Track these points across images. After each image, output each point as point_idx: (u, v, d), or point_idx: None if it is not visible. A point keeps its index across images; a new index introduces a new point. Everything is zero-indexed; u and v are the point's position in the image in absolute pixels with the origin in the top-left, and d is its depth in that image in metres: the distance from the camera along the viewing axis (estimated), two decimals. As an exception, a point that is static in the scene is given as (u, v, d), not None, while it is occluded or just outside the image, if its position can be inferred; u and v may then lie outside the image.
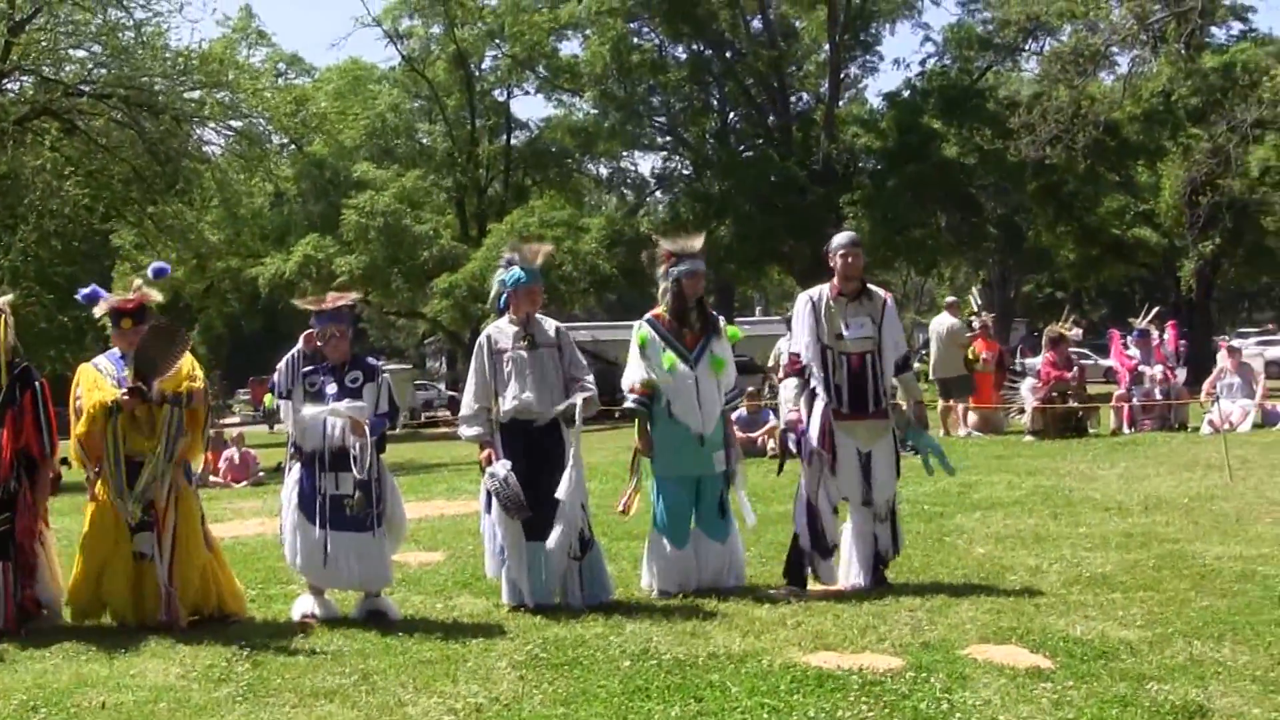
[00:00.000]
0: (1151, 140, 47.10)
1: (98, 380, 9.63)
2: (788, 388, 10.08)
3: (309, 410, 9.61)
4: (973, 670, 7.45)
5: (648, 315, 10.42)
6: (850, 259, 10.11)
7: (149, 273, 10.33)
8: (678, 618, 9.07)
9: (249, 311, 58.05)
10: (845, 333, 9.96)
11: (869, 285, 10.27)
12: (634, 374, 10.28)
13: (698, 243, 10.39)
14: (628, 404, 10.30)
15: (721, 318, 10.51)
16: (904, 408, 10.56)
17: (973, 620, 8.72)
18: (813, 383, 9.97)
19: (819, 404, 9.92)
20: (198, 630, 9.26)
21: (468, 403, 9.92)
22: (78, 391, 9.66)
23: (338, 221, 51.36)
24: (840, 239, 10.34)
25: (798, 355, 10.06)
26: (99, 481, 9.58)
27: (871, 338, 10.02)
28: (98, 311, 9.96)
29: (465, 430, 10.00)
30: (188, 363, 9.74)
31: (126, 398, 9.40)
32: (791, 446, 10.12)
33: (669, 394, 10.12)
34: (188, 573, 9.54)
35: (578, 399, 9.74)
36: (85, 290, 10.05)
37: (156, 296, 10.01)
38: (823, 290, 10.17)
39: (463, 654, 8.32)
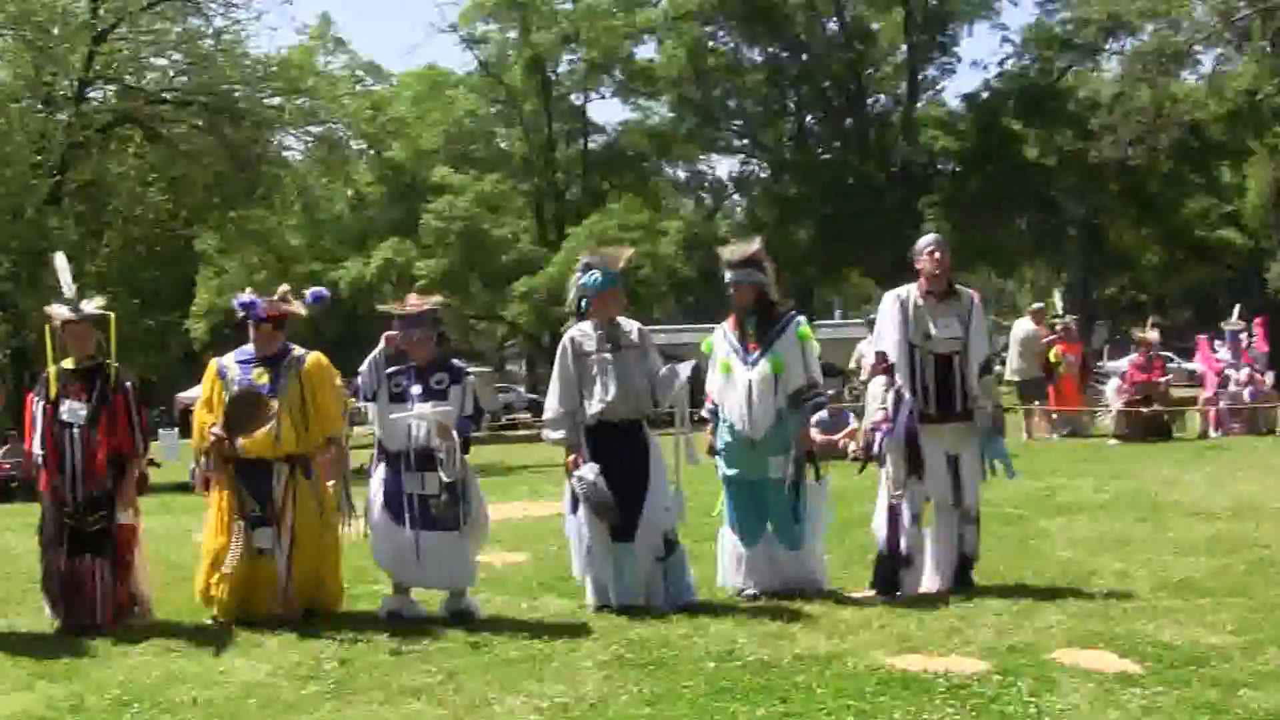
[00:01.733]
0: (1236, 140, 46.73)
1: (215, 394, 9.86)
2: (876, 385, 9.96)
3: (395, 413, 9.66)
4: (1060, 674, 7.38)
5: (725, 321, 10.41)
6: (937, 257, 10.04)
7: (307, 296, 10.41)
8: (762, 619, 9.04)
9: (329, 314, 58.29)
10: (933, 332, 9.85)
11: (956, 285, 10.16)
12: (708, 381, 10.33)
13: (744, 252, 10.25)
14: (702, 412, 10.28)
15: (799, 318, 10.31)
16: (985, 410, 10.39)
17: (1059, 624, 8.64)
18: (898, 382, 9.88)
19: (905, 405, 9.82)
20: (299, 625, 9.36)
21: (552, 406, 9.88)
22: (200, 392, 10.03)
23: (417, 225, 51.66)
24: (926, 239, 10.23)
25: (884, 354, 9.97)
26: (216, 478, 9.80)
27: (959, 338, 9.88)
28: (239, 308, 10.05)
29: (550, 434, 9.98)
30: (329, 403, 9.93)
31: (213, 438, 9.62)
32: (876, 447, 10.01)
33: (722, 398, 10.12)
34: (306, 566, 9.69)
35: (679, 371, 9.77)
36: (243, 299, 10.10)
37: (301, 311, 10.11)
38: (910, 289, 10.04)
39: (548, 654, 8.34)
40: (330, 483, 10.03)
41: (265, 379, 9.73)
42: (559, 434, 9.86)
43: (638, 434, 9.79)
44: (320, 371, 9.89)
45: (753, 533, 10.04)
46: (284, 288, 10.24)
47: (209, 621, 9.67)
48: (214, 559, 9.69)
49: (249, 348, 9.96)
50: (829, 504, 10.36)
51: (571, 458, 9.74)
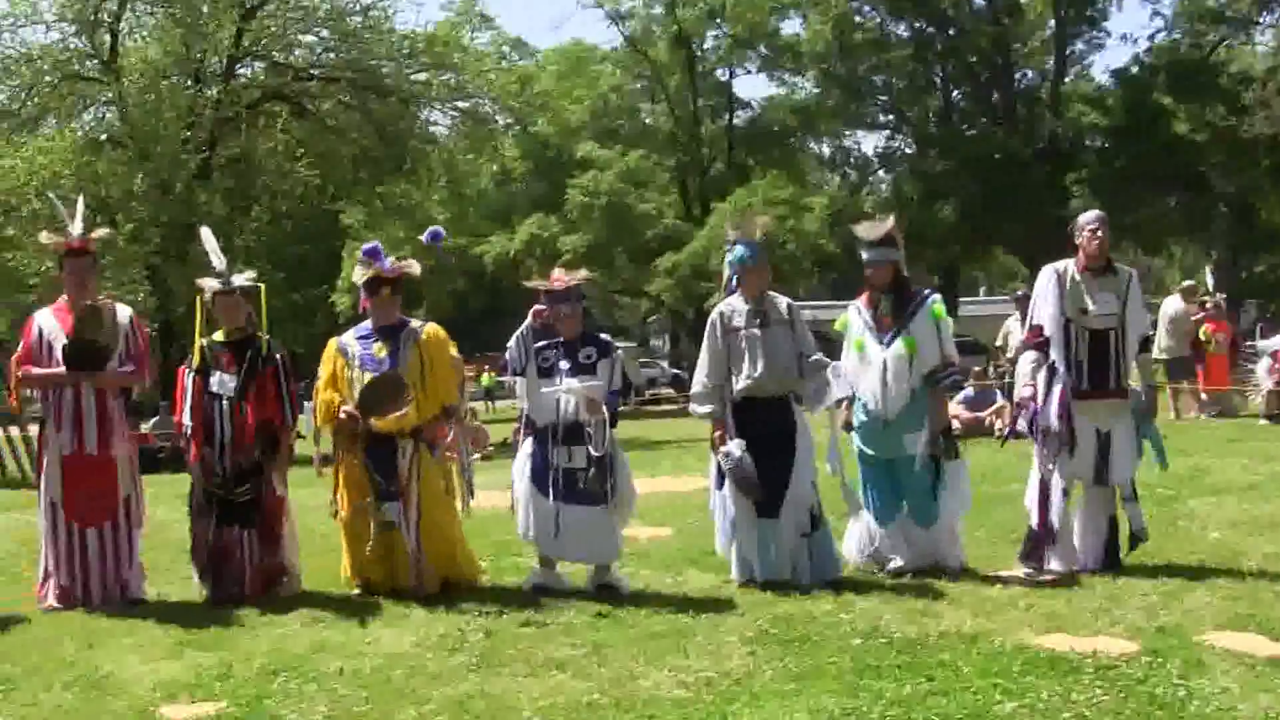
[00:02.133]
0: (1392, 115, 45.70)
1: (337, 370, 9.88)
2: (1025, 360, 9.90)
3: (544, 388, 9.71)
4: (1210, 657, 7.30)
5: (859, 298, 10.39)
6: (1100, 235, 9.91)
7: (425, 237, 10.55)
8: (907, 596, 9.03)
9: (474, 289, 58.54)
10: (1090, 308, 9.73)
11: (1114, 263, 10.06)
12: (843, 359, 10.28)
13: (879, 231, 10.21)
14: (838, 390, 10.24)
15: (933, 296, 10.29)
16: (1136, 389, 10.27)
17: (1208, 606, 8.54)
18: (1052, 357, 9.80)
19: (1058, 381, 9.75)
20: (444, 597, 9.46)
21: (700, 380, 9.88)
22: (321, 371, 9.95)
23: (561, 201, 51.86)
24: (1089, 216, 10.11)
25: (1040, 327, 9.84)
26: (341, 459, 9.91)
27: (1115, 315, 9.76)
28: (357, 277, 10.12)
29: (698, 408, 9.98)
30: (444, 377, 9.97)
31: (344, 418, 9.69)
32: (1022, 423, 9.95)
33: (855, 376, 10.09)
34: (435, 539, 9.74)
35: (830, 381, 9.76)
36: (368, 246, 10.19)
37: (416, 270, 10.18)
38: (1069, 264, 9.93)
39: (693, 628, 8.37)
40: (450, 456, 10.06)
41: (384, 352, 9.78)
42: (706, 408, 9.87)
43: (785, 410, 9.78)
44: (438, 342, 9.95)
45: (889, 511, 10.06)
46: (391, 259, 10.30)
47: (355, 593, 9.82)
48: (350, 536, 9.84)
49: (366, 323, 10.02)
50: (968, 482, 10.31)
51: (718, 433, 9.76)
